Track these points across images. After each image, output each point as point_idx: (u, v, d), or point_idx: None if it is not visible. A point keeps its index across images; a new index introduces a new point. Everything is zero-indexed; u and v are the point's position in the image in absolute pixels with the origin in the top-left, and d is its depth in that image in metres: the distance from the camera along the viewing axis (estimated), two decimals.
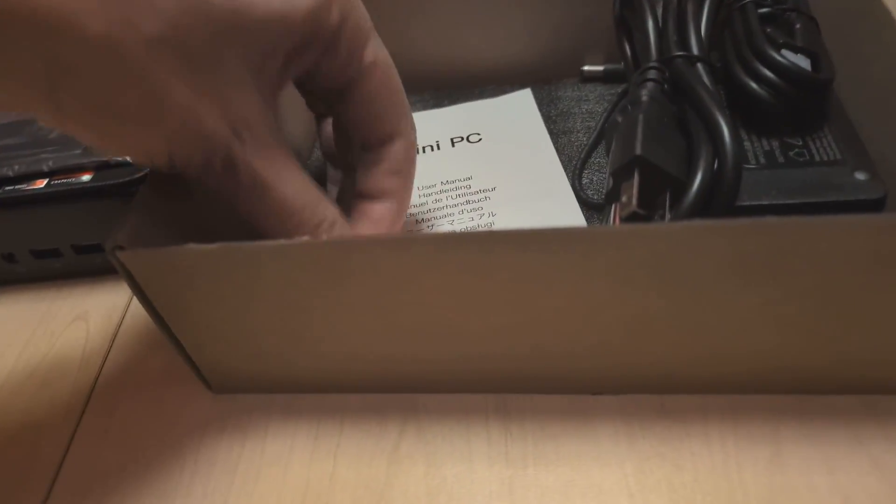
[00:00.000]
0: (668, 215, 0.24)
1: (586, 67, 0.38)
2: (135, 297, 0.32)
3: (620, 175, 0.25)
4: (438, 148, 0.36)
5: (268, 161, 0.23)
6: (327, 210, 0.24)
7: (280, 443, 0.26)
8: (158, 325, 0.25)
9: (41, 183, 0.31)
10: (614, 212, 0.25)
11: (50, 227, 0.32)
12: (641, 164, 0.24)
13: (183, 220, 0.26)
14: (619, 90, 0.36)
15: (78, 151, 0.32)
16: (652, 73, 0.27)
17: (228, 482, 0.25)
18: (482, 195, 0.32)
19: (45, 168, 0.31)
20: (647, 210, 0.24)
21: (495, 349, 0.24)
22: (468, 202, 0.32)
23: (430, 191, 0.33)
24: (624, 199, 0.24)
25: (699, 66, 0.27)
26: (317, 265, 0.22)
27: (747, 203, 0.25)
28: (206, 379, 0.27)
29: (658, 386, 0.25)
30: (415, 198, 0.33)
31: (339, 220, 0.25)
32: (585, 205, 0.31)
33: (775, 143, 0.27)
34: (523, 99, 0.37)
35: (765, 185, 0.25)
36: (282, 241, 0.21)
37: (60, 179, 0.31)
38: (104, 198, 0.31)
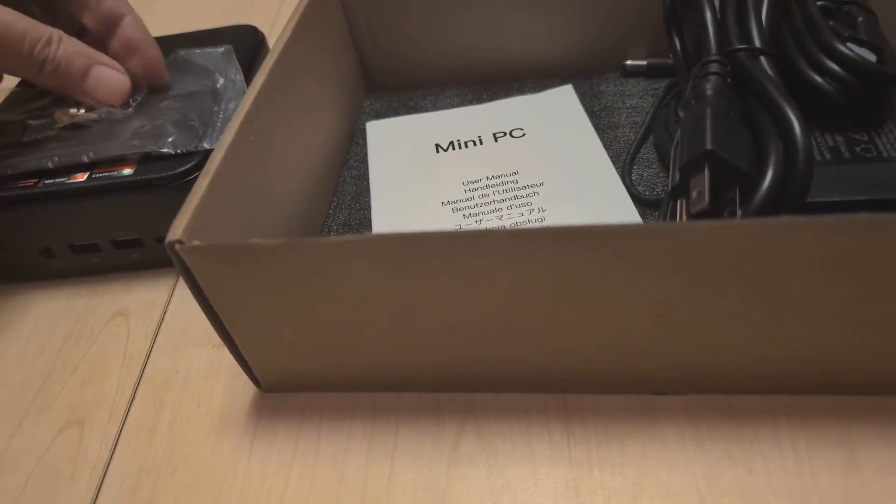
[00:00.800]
0: (738, 212, 0.23)
1: (629, 62, 0.37)
2: (176, 293, 0.32)
3: (688, 170, 0.24)
4: (481, 143, 0.35)
5: None
6: (49, 28, 0.29)
7: (335, 443, 0.25)
8: (212, 322, 0.24)
9: (82, 176, 0.31)
10: (681, 208, 0.24)
11: (90, 222, 0.32)
12: (712, 158, 0.23)
13: (236, 214, 0.25)
14: (665, 84, 0.35)
15: (118, 143, 0.31)
16: (714, 67, 0.27)
17: (283, 483, 0.25)
18: (530, 190, 0.32)
19: (85, 159, 0.31)
20: (716, 206, 0.23)
21: (559, 348, 0.24)
22: (516, 197, 0.32)
23: (476, 185, 0.33)
24: (694, 194, 0.24)
25: (762, 58, 0.26)
26: (382, 260, 0.21)
27: (817, 199, 0.24)
28: (256, 377, 0.27)
29: (724, 386, 0.24)
30: (461, 192, 0.32)
31: (64, 36, 0.30)
32: (637, 201, 0.30)
33: (840, 139, 0.26)
34: (565, 94, 0.37)
35: (832, 181, 0.25)
36: (348, 237, 0.21)
37: (102, 172, 0.31)
38: (147, 191, 0.30)
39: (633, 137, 0.33)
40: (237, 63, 0.35)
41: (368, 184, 0.34)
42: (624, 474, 0.23)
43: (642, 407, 0.25)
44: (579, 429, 0.24)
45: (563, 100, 0.36)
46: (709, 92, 0.26)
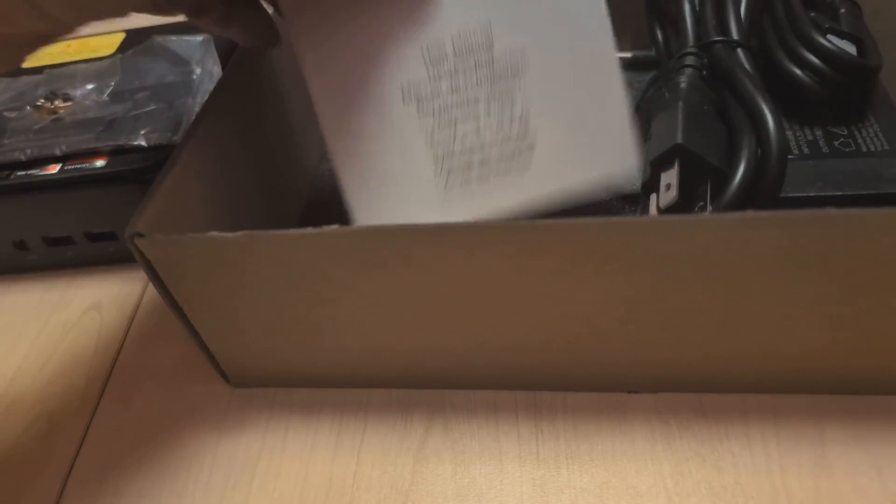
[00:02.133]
0: (709, 207, 0.23)
1: None
2: (150, 287, 0.32)
3: (659, 164, 0.24)
4: None
5: None
6: None
7: (301, 439, 0.25)
8: (176, 316, 0.24)
9: (54, 168, 0.30)
10: (653, 202, 0.24)
11: (63, 214, 0.31)
12: (682, 153, 0.23)
13: (202, 207, 0.25)
14: (649, 77, 0.35)
15: (91, 136, 0.31)
16: (690, 59, 0.26)
17: (249, 478, 0.24)
18: (508, 70, 0.23)
19: (57, 152, 0.30)
20: (687, 201, 0.23)
21: (528, 344, 0.23)
22: (492, 80, 0.23)
23: (439, 57, 0.23)
24: (663, 189, 0.23)
25: (739, 51, 0.26)
26: (346, 254, 0.21)
27: (792, 195, 0.24)
28: (224, 372, 0.26)
29: (696, 384, 0.24)
30: (422, 70, 0.24)
31: None
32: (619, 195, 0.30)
33: (819, 133, 0.26)
34: None
35: (809, 175, 0.24)
36: (310, 230, 0.20)
37: (74, 164, 0.30)
38: (119, 184, 0.30)
39: None
40: (216, 53, 0.35)
41: None
42: (591, 473, 0.23)
43: (614, 405, 0.24)
44: (548, 426, 0.24)
45: None
46: (682, 85, 0.25)
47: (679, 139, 0.23)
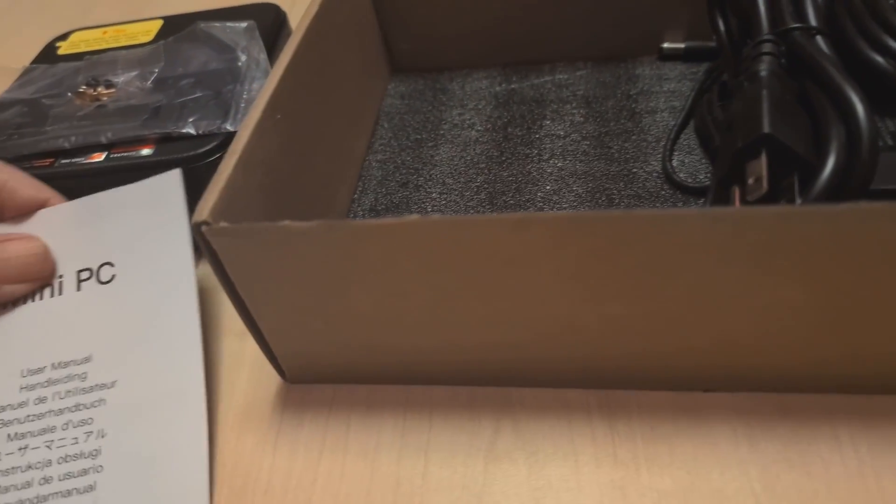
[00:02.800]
0: (797, 200, 0.22)
1: (666, 45, 0.35)
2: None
3: (743, 156, 0.23)
4: (60, 292, 0.27)
5: None
6: None
7: (365, 438, 0.24)
8: (237, 309, 0.23)
9: (99, 156, 0.29)
10: (734, 196, 0.23)
11: None
12: (770, 142, 0.22)
13: (262, 197, 0.24)
14: (705, 69, 0.34)
15: (137, 123, 0.30)
16: (767, 47, 0.25)
17: (311, 479, 0.23)
18: (97, 395, 0.24)
19: (103, 140, 0.30)
20: (773, 194, 0.22)
21: (603, 341, 0.22)
22: (77, 406, 0.24)
23: (35, 380, 0.25)
24: (751, 181, 0.22)
25: (819, 38, 0.25)
26: (425, 245, 0.20)
27: (881, 187, 0.23)
28: (281, 367, 0.26)
29: (779, 384, 0.23)
30: (15, 391, 0.25)
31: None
32: (680, 189, 0.29)
33: None
34: (169, 188, 0.27)
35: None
36: (388, 219, 0.19)
37: (119, 152, 0.29)
38: (166, 170, 0.29)
39: (672, 122, 0.32)
40: (261, 41, 0.34)
41: (393, 167, 0.33)
42: (673, 476, 0.22)
43: (690, 404, 0.23)
44: (624, 427, 0.23)
45: (165, 200, 0.27)
46: (763, 73, 0.24)
47: (766, 128, 0.22)
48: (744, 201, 0.23)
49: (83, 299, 0.26)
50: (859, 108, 0.22)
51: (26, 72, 0.36)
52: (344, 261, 0.21)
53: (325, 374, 0.26)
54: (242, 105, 0.31)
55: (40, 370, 0.25)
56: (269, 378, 0.26)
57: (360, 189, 0.32)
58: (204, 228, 0.20)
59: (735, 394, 0.23)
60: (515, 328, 0.22)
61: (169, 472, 0.23)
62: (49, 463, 0.23)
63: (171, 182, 0.27)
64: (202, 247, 0.21)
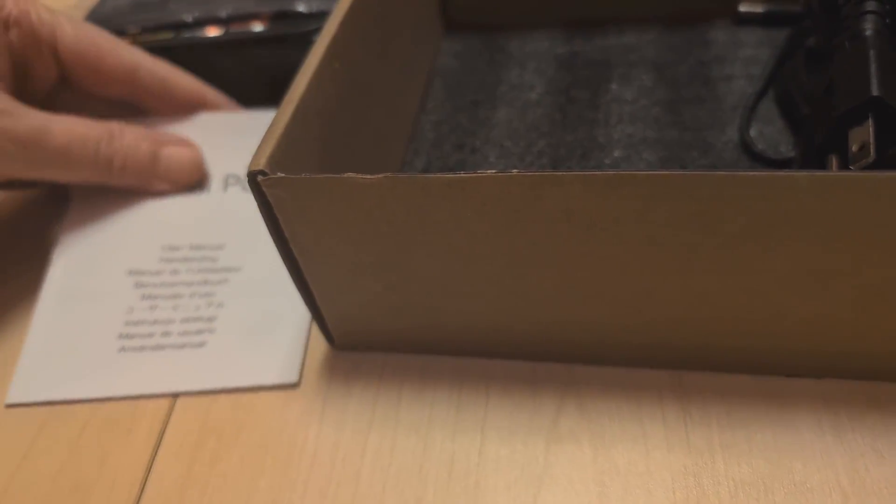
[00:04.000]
0: None
1: (743, 8, 0.33)
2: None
3: (846, 121, 0.21)
4: (208, 190, 0.31)
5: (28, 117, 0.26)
6: (106, 123, 0.28)
7: (417, 410, 0.23)
8: (288, 266, 0.22)
9: (217, 30, 0.32)
10: (832, 165, 0.21)
11: (224, 74, 0.33)
12: (878, 106, 0.20)
13: (318, 148, 0.22)
14: (786, 34, 0.31)
15: (251, 1, 0.32)
16: (871, 5, 0.23)
17: (359, 452, 0.22)
18: (223, 275, 0.28)
19: (222, 15, 0.32)
20: (880, 164, 0.20)
21: (681, 317, 0.21)
22: (205, 282, 0.28)
23: (173, 255, 0.29)
24: (854, 148, 0.20)
25: None
26: (499, 205, 0.18)
27: None
28: (330, 332, 0.24)
29: (870, 372, 0.21)
30: (154, 261, 0.29)
31: (123, 125, 0.29)
32: (759, 160, 0.27)
33: None
34: None
35: None
36: (461, 174, 0.18)
37: (236, 27, 0.32)
38: (281, 45, 0.32)
39: (749, 90, 0.30)
40: None
41: (448, 129, 0.31)
42: (752, 464, 0.20)
43: (771, 390, 0.22)
44: (698, 411, 0.22)
45: None
46: (868, 32, 0.22)
47: (874, 91, 0.20)
48: (845, 169, 0.21)
49: (227, 199, 0.30)
50: None
51: None
52: (410, 218, 0.19)
53: (377, 342, 0.24)
54: None
55: (178, 248, 0.29)
56: (316, 344, 0.25)
57: (412, 150, 0.31)
58: (260, 178, 0.19)
59: (821, 380, 0.22)
60: (590, 300, 0.21)
61: (269, 342, 0.26)
62: (171, 321, 0.27)
63: None
64: (256, 198, 0.20)
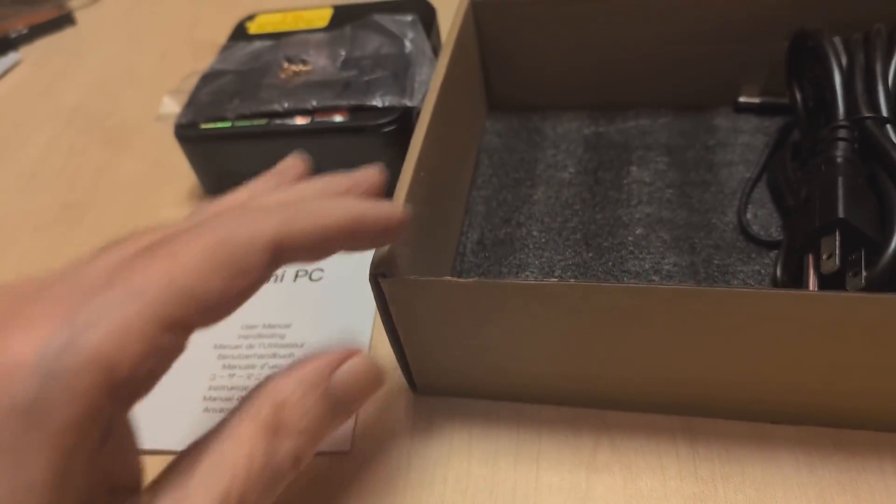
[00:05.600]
0: (863, 273, 0.26)
1: (742, 99, 0.40)
2: None
3: (819, 233, 0.27)
4: (281, 280, 0.38)
5: None
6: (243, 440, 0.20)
7: (485, 446, 0.29)
8: (389, 336, 0.28)
9: (305, 119, 0.38)
10: (808, 263, 0.28)
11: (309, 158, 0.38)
12: (843, 226, 0.26)
13: (412, 242, 0.29)
14: (780, 127, 0.38)
15: (333, 95, 0.38)
16: (843, 133, 0.29)
17: (442, 477, 0.29)
18: (290, 350, 0.34)
19: (309, 106, 0.38)
20: (842, 268, 0.26)
21: (691, 378, 0.27)
22: (274, 355, 0.34)
23: (249, 332, 0.35)
24: (825, 257, 0.27)
25: (888, 127, 0.29)
26: (556, 302, 0.25)
27: None
28: (414, 381, 0.31)
29: (835, 421, 0.28)
30: (233, 338, 0.35)
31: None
32: (753, 241, 0.33)
33: None
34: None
35: None
36: (530, 281, 0.24)
37: (321, 117, 0.37)
38: (359, 135, 0.37)
39: (746, 175, 0.36)
40: (423, 32, 0.41)
41: (496, 204, 0.37)
42: (745, 493, 0.27)
43: (760, 434, 0.28)
44: (703, 448, 0.28)
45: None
46: (839, 159, 0.29)
47: (841, 213, 0.26)
48: (816, 270, 0.27)
49: (295, 287, 0.37)
50: None
51: (226, 47, 0.44)
52: (490, 309, 0.26)
53: (451, 390, 0.31)
54: (416, 85, 0.38)
55: (254, 326, 0.35)
56: (400, 389, 0.32)
57: (467, 223, 0.37)
58: (380, 279, 0.25)
59: (798, 427, 0.28)
60: (623, 365, 0.27)
61: None
62: (246, 388, 0.29)
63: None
64: (373, 289, 0.26)
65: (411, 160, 0.29)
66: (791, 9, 0.36)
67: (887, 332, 0.23)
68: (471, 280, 0.25)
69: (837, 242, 0.26)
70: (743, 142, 0.38)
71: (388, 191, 0.26)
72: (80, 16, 0.68)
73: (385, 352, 0.32)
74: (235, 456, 0.19)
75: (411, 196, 0.28)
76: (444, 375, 0.30)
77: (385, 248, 0.26)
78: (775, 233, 0.33)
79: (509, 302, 0.25)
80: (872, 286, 0.25)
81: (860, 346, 0.24)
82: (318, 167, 0.39)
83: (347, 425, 0.31)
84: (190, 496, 0.19)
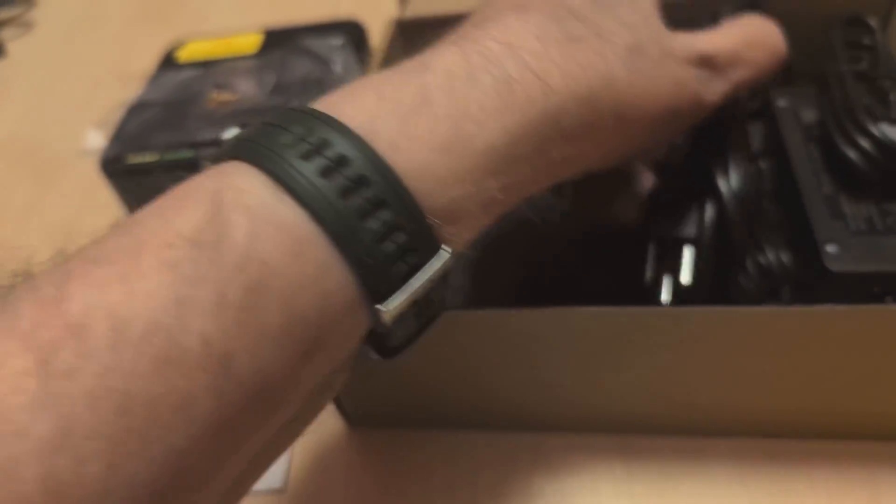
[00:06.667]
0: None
1: None
2: None
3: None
4: None
5: None
6: None
7: (421, 480, 0.29)
8: None
9: None
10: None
11: None
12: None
13: None
14: None
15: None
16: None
17: None
18: None
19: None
20: None
21: (624, 396, 0.27)
22: None
23: None
24: None
25: None
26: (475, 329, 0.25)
27: (852, 270, 0.27)
28: (347, 414, 0.30)
29: (766, 430, 0.28)
30: None
31: None
32: None
33: (874, 210, 0.29)
34: None
35: (868, 250, 0.28)
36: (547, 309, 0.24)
37: None
38: None
39: None
40: (353, 55, 0.41)
41: None
42: None
43: (693, 448, 0.28)
44: (638, 467, 0.28)
45: None
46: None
47: None
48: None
49: None
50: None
51: (154, 77, 0.44)
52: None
53: (385, 421, 0.30)
54: None
55: None
56: (335, 421, 0.31)
57: None
58: None
59: (730, 439, 0.28)
60: (553, 389, 0.27)
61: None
62: None
63: None
64: None
65: None
66: None
67: (814, 344, 0.23)
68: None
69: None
70: None
71: None
72: (11, 47, 0.66)
73: None
74: None
75: None
76: (377, 406, 0.30)
77: None
78: None
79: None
80: None
81: (789, 358, 0.24)
82: None
83: (281, 461, 0.30)
84: None
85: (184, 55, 0.46)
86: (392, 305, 0.17)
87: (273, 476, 0.30)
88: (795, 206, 0.30)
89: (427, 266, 0.18)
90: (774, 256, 0.29)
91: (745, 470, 0.27)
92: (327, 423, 0.31)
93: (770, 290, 0.29)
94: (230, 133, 0.37)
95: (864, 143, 0.29)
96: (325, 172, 0.17)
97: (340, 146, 0.17)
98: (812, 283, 0.28)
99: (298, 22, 0.46)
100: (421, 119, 0.18)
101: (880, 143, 0.29)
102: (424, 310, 0.19)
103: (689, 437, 0.28)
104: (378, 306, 0.17)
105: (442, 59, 0.20)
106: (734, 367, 0.25)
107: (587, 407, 0.28)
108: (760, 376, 0.25)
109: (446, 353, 0.26)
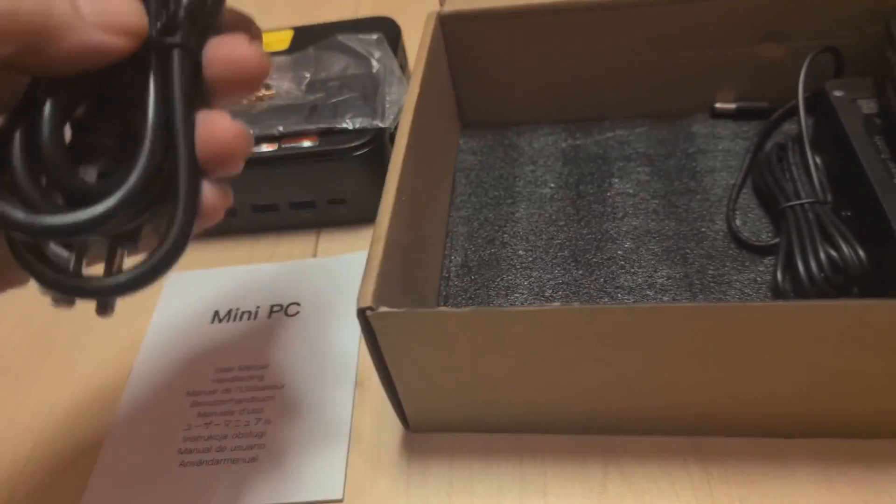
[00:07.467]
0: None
1: (718, 105, 0.39)
2: None
3: None
4: (255, 317, 0.36)
5: None
6: None
7: (487, 483, 0.27)
8: (379, 371, 0.26)
9: (272, 146, 0.36)
10: None
11: (274, 185, 0.37)
12: None
13: (399, 273, 0.27)
14: (760, 129, 0.37)
15: (300, 119, 0.36)
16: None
17: None
18: (269, 392, 0.32)
19: (275, 133, 0.36)
20: None
21: (698, 397, 0.26)
22: (253, 399, 0.32)
23: (224, 376, 0.33)
24: None
25: None
26: (558, 327, 0.23)
27: None
28: (406, 419, 0.29)
29: (851, 430, 0.27)
30: (207, 383, 0.33)
31: None
32: (745, 246, 0.32)
33: None
34: (350, 269, 0.36)
35: None
36: (531, 307, 0.23)
37: (289, 143, 0.36)
38: (329, 160, 0.36)
39: (730, 181, 0.35)
40: (390, 50, 0.39)
41: (478, 224, 0.36)
42: None
43: (774, 449, 0.27)
44: (717, 469, 0.27)
45: (350, 269, 0.36)
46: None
47: None
48: None
49: (271, 324, 0.35)
50: None
51: None
52: (487, 337, 0.24)
53: (446, 425, 0.29)
54: (387, 106, 0.37)
55: (229, 369, 0.33)
56: (392, 426, 0.30)
57: (449, 246, 0.35)
58: (368, 314, 0.23)
59: (813, 440, 0.27)
60: (626, 390, 0.26)
61: (315, 460, 0.29)
62: (225, 436, 0.31)
63: (354, 265, 0.36)
64: (361, 324, 0.24)
65: (392, 184, 0.28)
66: (764, 12, 0.35)
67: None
68: (466, 310, 0.23)
69: None
70: (723, 147, 0.37)
71: (369, 217, 0.24)
72: None
73: (374, 388, 0.30)
74: None
75: (394, 221, 0.27)
76: (438, 410, 0.28)
77: (372, 278, 0.24)
78: (766, 237, 0.33)
79: (508, 330, 0.24)
80: None
81: (869, 353, 0.23)
82: (288, 195, 0.38)
83: (337, 470, 0.28)
84: None
85: None
86: None
87: (331, 485, 0.28)
88: (865, 198, 0.29)
89: None
90: (850, 251, 0.28)
91: (830, 471, 0.26)
92: (385, 430, 0.30)
93: (837, 285, 0.28)
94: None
95: None
96: None
97: None
98: (886, 277, 0.27)
99: (326, 21, 0.45)
100: None
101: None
102: None
103: (767, 438, 0.27)
104: None
105: None
106: (817, 364, 0.24)
107: (659, 408, 0.27)
108: (843, 374, 0.24)
109: (509, 350, 0.24)
